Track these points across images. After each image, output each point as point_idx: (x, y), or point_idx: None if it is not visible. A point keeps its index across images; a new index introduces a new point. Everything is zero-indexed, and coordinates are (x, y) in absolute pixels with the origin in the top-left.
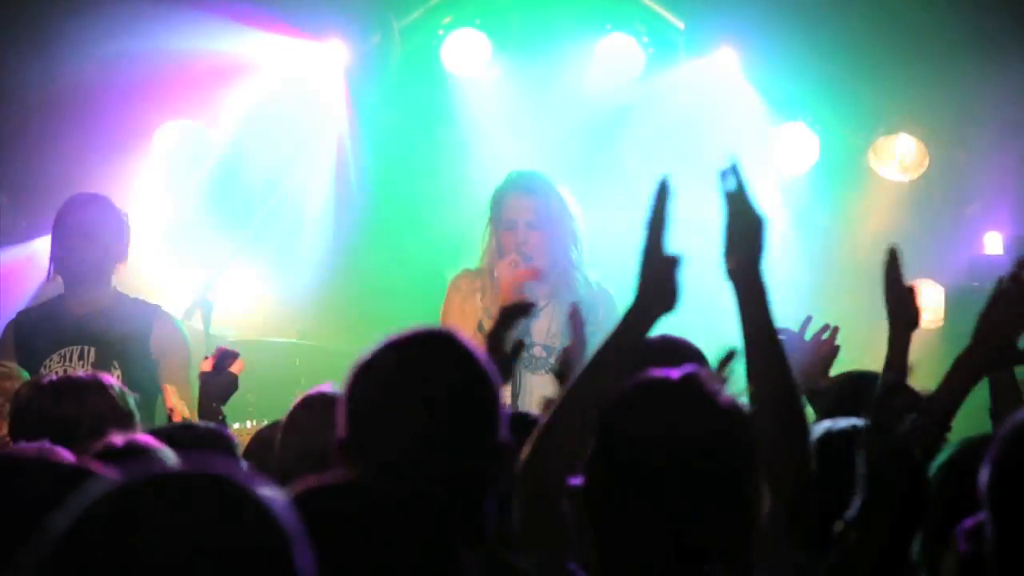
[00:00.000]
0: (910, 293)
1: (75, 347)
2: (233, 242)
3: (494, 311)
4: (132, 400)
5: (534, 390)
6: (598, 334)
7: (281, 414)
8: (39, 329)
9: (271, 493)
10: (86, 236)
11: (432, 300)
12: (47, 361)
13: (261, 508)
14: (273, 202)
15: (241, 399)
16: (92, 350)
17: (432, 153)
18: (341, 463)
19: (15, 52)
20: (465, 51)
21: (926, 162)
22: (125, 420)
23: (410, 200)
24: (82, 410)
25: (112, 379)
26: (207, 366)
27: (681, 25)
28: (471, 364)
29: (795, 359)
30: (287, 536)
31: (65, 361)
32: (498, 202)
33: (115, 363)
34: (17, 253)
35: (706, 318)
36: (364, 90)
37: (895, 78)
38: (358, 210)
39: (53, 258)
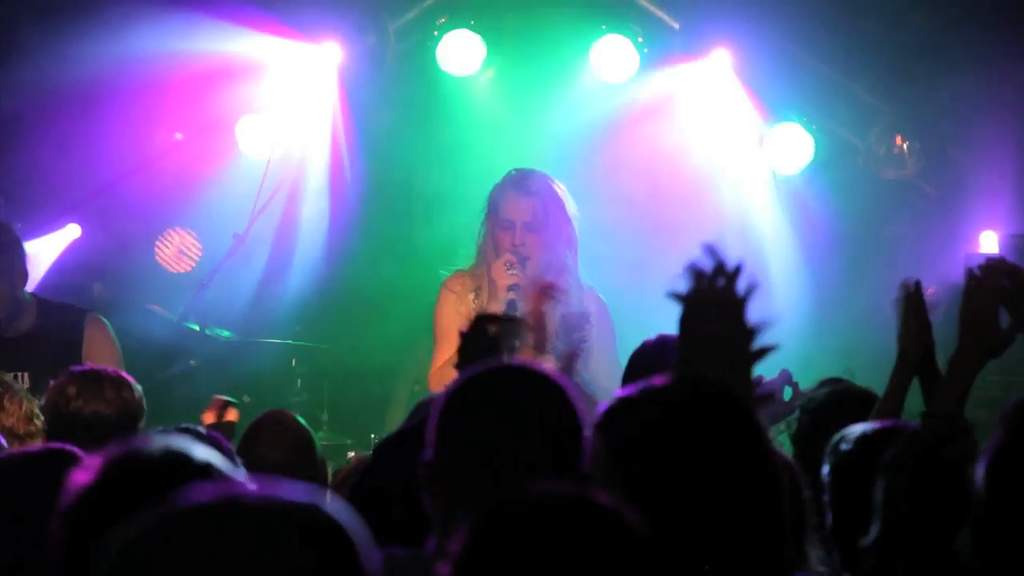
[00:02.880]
0: (926, 329)
1: (7, 375)
2: (228, 243)
3: (489, 310)
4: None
5: None
6: (590, 338)
7: (294, 413)
8: None
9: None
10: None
11: (428, 300)
12: None
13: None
14: (269, 202)
15: (236, 398)
16: (25, 375)
17: (427, 154)
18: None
19: (12, 55)
20: (460, 52)
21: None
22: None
23: (406, 200)
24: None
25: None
26: (210, 418)
27: (676, 26)
28: (566, 396)
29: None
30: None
31: None
32: (496, 200)
33: (50, 383)
34: None
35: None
36: (359, 91)
37: (889, 78)
38: (354, 210)
39: None
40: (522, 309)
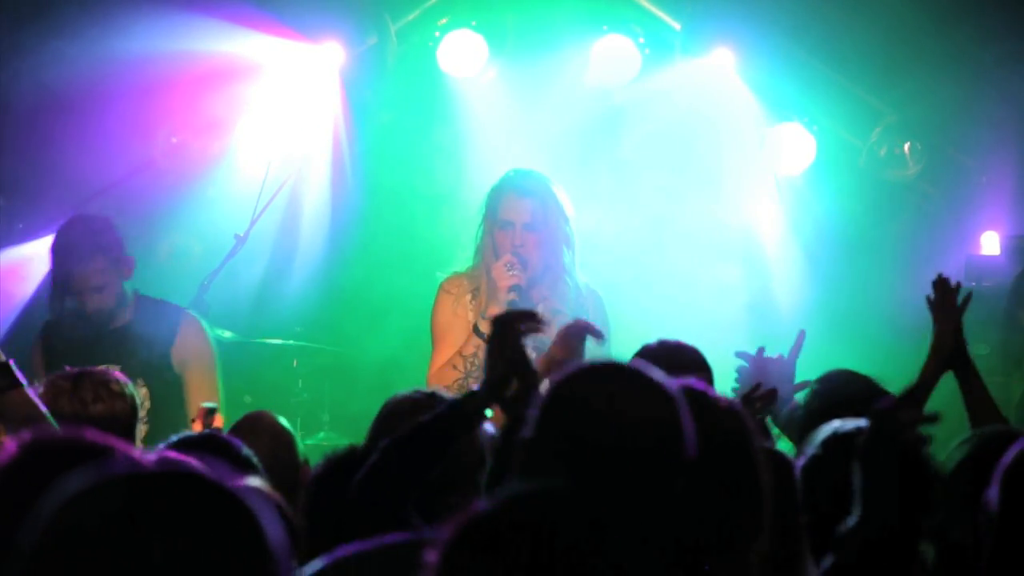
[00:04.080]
0: (958, 332)
1: (100, 368)
2: (230, 243)
3: (489, 311)
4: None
5: None
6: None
7: (277, 414)
8: (66, 349)
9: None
10: (96, 288)
11: (428, 301)
12: None
13: (247, 517)
14: (270, 204)
15: (238, 400)
16: (116, 370)
17: (428, 154)
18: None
19: (12, 54)
20: (461, 52)
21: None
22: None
23: (407, 201)
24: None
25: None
26: (197, 427)
27: (677, 26)
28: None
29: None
30: (265, 536)
31: None
32: (495, 201)
33: (140, 380)
34: (14, 255)
35: (698, 319)
36: (360, 91)
37: (891, 78)
38: (355, 211)
39: (60, 281)
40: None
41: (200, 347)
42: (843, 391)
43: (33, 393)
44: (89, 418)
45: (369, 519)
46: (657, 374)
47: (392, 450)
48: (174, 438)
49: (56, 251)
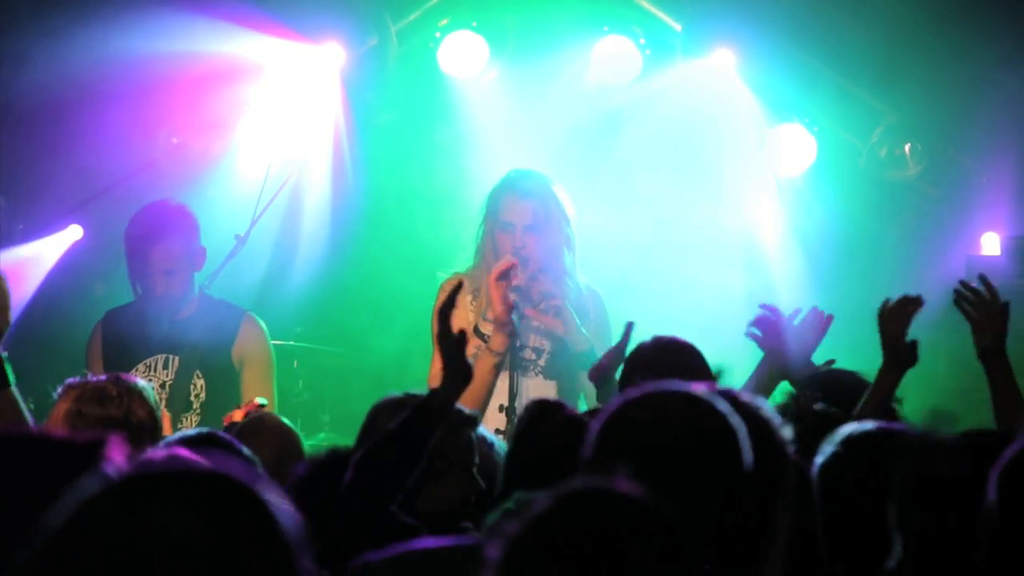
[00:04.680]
0: (906, 343)
1: (160, 356)
2: (230, 244)
3: (489, 312)
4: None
5: (528, 392)
6: (592, 337)
7: (278, 415)
8: (126, 336)
9: (276, 497)
10: (172, 273)
11: (429, 301)
12: (132, 370)
13: (265, 511)
14: (270, 204)
15: (238, 400)
16: (176, 359)
17: (429, 155)
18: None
19: (12, 55)
20: (462, 53)
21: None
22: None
23: (407, 201)
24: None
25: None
26: (239, 416)
27: (678, 27)
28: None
29: (782, 342)
30: (289, 540)
31: (150, 370)
32: (495, 202)
33: (198, 372)
34: (15, 255)
35: (695, 319)
36: (361, 92)
37: (892, 79)
38: (355, 212)
39: (136, 270)
40: (523, 311)
41: (260, 348)
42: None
43: (18, 395)
44: (110, 421)
45: (358, 528)
46: (704, 392)
47: (366, 462)
48: (172, 437)
49: (130, 233)
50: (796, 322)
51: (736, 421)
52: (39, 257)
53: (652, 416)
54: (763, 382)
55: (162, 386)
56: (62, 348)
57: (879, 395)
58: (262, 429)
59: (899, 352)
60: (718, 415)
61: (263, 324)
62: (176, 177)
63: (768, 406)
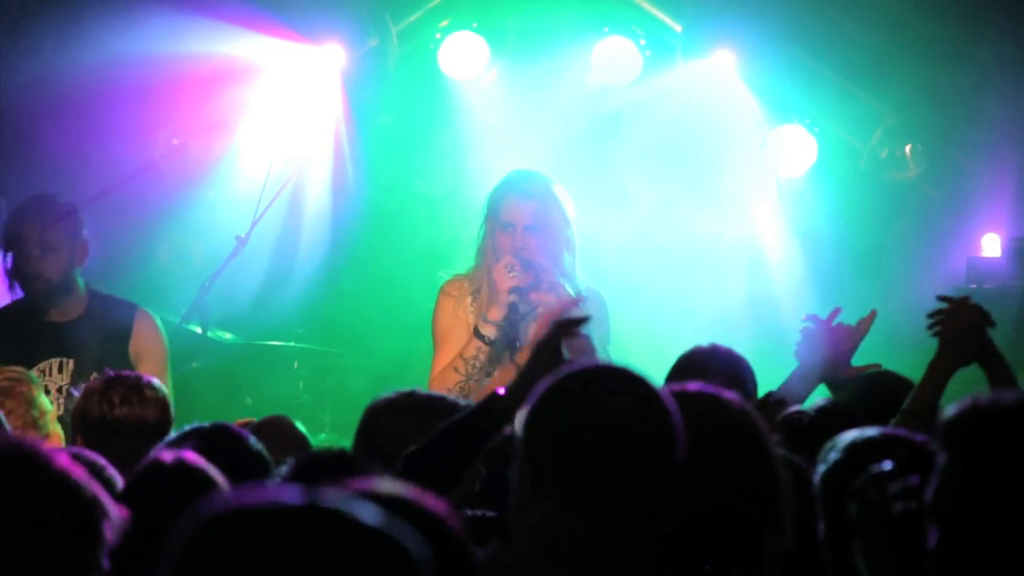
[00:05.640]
0: (975, 336)
1: (54, 360)
2: (231, 245)
3: (490, 313)
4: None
5: None
6: (592, 336)
7: (291, 419)
8: (12, 342)
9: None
10: (48, 246)
11: (430, 303)
12: None
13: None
14: (271, 205)
15: (239, 401)
16: (71, 361)
17: (429, 156)
18: None
19: (13, 55)
20: (462, 54)
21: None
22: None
23: (408, 203)
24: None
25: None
26: None
27: (678, 28)
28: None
29: (819, 346)
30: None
31: (45, 376)
32: (497, 202)
33: (95, 373)
34: None
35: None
36: (361, 93)
37: (893, 80)
38: (356, 213)
39: (13, 271)
40: (523, 311)
41: (155, 341)
42: (876, 393)
43: None
44: (115, 420)
45: None
46: (646, 375)
47: (418, 458)
48: (186, 428)
49: (5, 223)
50: (834, 323)
51: (666, 402)
52: None
53: (577, 400)
54: (798, 386)
55: (59, 391)
56: None
57: (932, 384)
58: (280, 429)
59: (961, 344)
60: (646, 396)
61: (156, 317)
62: (177, 178)
63: (758, 415)
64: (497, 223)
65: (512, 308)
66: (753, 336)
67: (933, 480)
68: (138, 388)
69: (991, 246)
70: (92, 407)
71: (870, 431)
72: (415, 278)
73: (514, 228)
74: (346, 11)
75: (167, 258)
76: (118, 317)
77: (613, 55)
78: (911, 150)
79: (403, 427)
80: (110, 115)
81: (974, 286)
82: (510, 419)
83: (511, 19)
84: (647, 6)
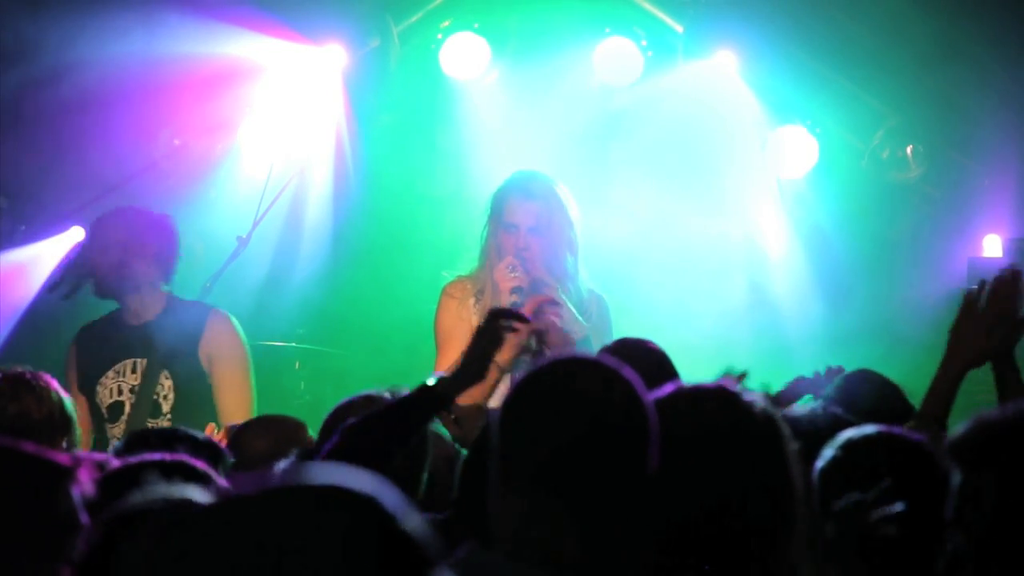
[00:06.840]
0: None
1: (128, 360)
2: (232, 245)
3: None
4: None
5: None
6: (592, 338)
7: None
8: (96, 346)
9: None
10: (128, 251)
11: (432, 303)
12: (103, 377)
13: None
14: (272, 206)
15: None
16: (143, 362)
17: (431, 156)
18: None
19: (15, 58)
20: (464, 55)
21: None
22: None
23: (409, 203)
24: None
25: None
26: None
27: (680, 29)
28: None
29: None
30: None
31: (119, 376)
32: (500, 203)
33: (165, 373)
34: (17, 256)
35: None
36: (363, 93)
37: (894, 81)
38: (357, 213)
39: (98, 274)
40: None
41: (229, 344)
42: (863, 398)
43: None
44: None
45: None
46: (627, 371)
47: (354, 431)
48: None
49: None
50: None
51: (638, 391)
52: (41, 258)
53: (549, 395)
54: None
55: (131, 390)
56: (63, 350)
57: (946, 381)
58: (270, 418)
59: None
60: (620, 389)
61: (234, 320)
62: (178, 178)
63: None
64: (500, 224)
65: (514, 308)
66: (754, 336)
67: (950, 500)
68: (26, 384)
69: (992, 247)
70: None
71: (868, 429)
72: (417, 278)
73: (517, 229)
74: (347, 12)
75: None
76: (190, 317)
77: (614, 56)
78: (912, 151)
79: None
80: (112, 116)
81: (975, 287)
82: (448, 402)
83: (512, 20)
84: (648, 7)
